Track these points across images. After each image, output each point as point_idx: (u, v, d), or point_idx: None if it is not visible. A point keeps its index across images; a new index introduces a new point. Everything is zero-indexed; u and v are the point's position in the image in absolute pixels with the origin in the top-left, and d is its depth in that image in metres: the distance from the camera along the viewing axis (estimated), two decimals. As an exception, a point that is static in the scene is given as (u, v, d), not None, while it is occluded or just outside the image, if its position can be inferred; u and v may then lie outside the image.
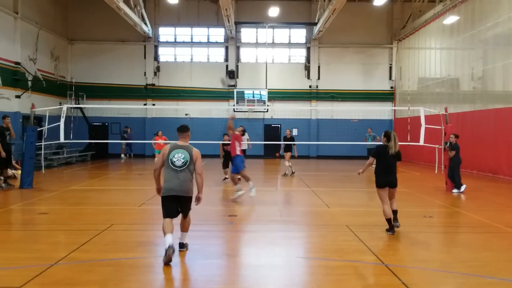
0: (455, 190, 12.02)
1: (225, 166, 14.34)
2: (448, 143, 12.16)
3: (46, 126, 13.92)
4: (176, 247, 5.93)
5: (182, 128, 6.23)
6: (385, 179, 7.22)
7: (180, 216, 6.12)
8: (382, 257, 5.89)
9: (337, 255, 6.02)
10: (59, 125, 13.47)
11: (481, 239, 7.12)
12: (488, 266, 5.58)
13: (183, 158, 5.91)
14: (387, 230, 7.21)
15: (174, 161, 5.90)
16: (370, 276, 5.32)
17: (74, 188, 12.73)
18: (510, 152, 15.41)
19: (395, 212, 7.34)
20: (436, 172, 13.58)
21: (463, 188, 11.99)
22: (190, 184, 5.95)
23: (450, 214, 9.56)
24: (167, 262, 5.45)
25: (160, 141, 17.29)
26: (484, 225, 8.05)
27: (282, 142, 17.03)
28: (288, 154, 16.30)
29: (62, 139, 13.73)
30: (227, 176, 14.14)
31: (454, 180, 12.09)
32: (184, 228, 6.21)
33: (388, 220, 7.17)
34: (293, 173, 16.55)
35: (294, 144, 16.41)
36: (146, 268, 5.54)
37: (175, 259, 5.67)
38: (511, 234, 7.34)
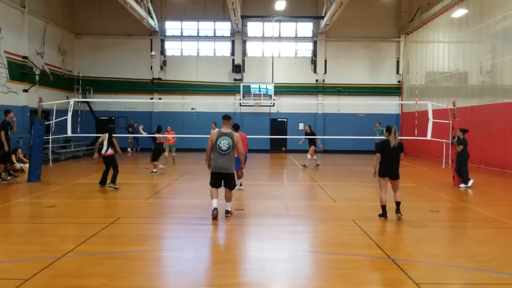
0: (462, 185, 11.95)
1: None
2: (456, 138, 12.07)
3: (54, 120, 14.01)
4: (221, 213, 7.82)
5: (226, 117, 7.85)
6: (387, 169, 7.73)
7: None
8: (388, 251, 5.88)
9: (343, 249, 6.02)
10: (66, 119, 13.55)
11: (488, 234, 7.08)
12: (495, 261, 5.55)
13: (227, 144, 7.58)
14: (380, 215, 7.84)
15: (221, 146, 7.57)
16: (376, 270, 5.31)
17: (82, 181, 12.80)
18: (519, 147, 15.28)
19: (398, 204, 7.83)
20: (443, 166, 13.52)
21: (470, 183, 11.91)
22: (232, 163, 7.73)
23: (457, 209, 9.51)
24: (214, 218, 7.54)
25: (169, 136, 17.41)
26: (491, 220, 8.01)
27: (303, 137, 18.21)
28: (311, 148, 17.29)
29: (69, 133, 13.83)
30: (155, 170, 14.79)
31: (462, 174, 12.01)
32: (228, 199, 7.89)
33: (383, 207, 7.80)
34: (318, 165, 17.49)
35: (317, 138, 17.51)
36: (153, 261, 5.57)
37: (187, 253, 5.68)
38: (519, 229, 7.29)
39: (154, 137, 15.19)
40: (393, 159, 7.73)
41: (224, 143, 7.56)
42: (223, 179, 7.76)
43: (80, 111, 24.22)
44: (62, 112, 16.04)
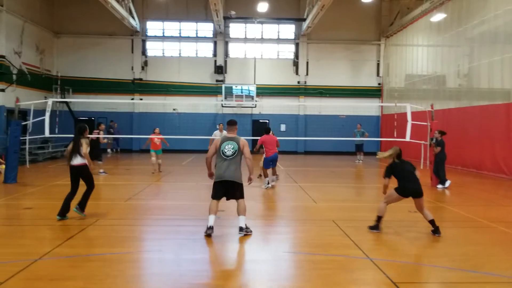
0: (439, 186, 12.18)
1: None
2: (434, 139, 12.30)
3: (31, 120, 13.75)
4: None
5: (231, 122, 7.17)
6: (410, 186, 6.84)
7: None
8: (367, 251, 5.95)
9: (323, 250, 6.06)
10: (44, 119, 13.29)
11: (465, 234, 7.23)
12: (471, 260, 5.67)
13: (232, 149, 6.79)
14: (372, 228, 7.04)
15: (225, 152, 6.79)
16: (355, 270, 5.36)
17: (59, 183, 12.57)
18: (494, 149, 15.64)
19: (432, 222, 6.91)
20: (421, 167, 13.71)
21: (447, 183, 12.15)
22: (238, 171, 6.83)
23: (435, 209, 9.64)
24: (208, 236, 6.55)
25: (155, 138, 15.35)
26: (468, 220, 8.17)
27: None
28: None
29: (47, 134, 13.56)
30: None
31: (439, 175, 12.24)
32: (240, 212, 6.82)
33: (379, 218, 7.00)
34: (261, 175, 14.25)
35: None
36: (132, 263, 5.51)
37: (167, 255, 5.64)
38: (495, 229, 7.46)
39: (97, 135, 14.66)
40: (413, 174, 6.93)
41: (228, 148, 6.78)
42: (227, 190, 6.80)
43: (58, 111, 23.78)
44: (40, 112, 15.72)
